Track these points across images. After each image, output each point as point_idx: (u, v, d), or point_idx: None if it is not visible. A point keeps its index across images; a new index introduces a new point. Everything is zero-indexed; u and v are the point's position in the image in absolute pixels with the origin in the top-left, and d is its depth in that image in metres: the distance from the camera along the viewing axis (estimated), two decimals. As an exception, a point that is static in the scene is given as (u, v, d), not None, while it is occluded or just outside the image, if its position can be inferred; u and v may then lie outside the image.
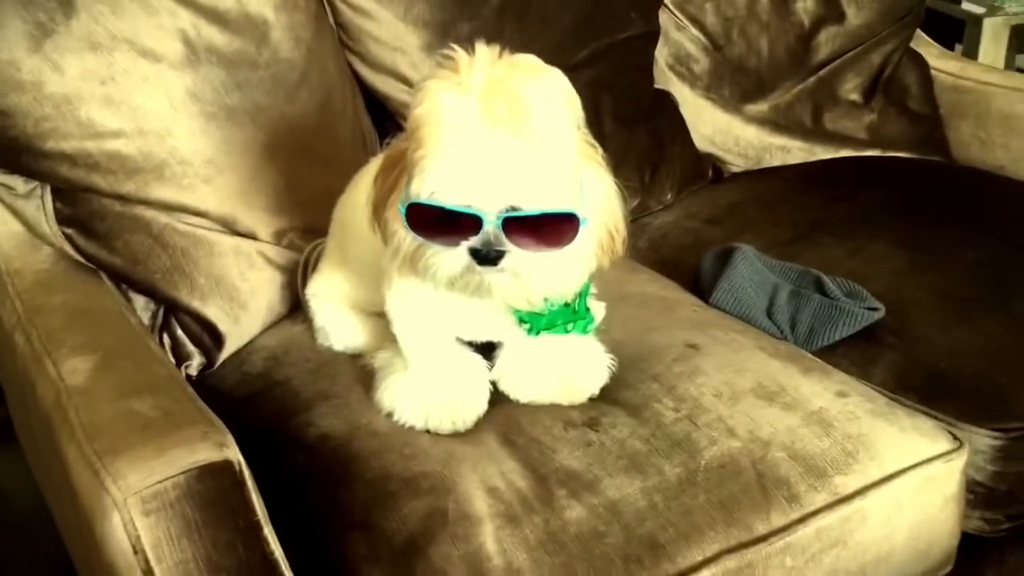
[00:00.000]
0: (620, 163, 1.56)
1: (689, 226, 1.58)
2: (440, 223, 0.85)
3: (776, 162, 1.80)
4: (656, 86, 1.76)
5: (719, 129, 1.80)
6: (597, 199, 0.94)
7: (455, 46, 0.87)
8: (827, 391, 1.10)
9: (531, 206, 0.85)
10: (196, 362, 1.21)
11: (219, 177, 1.23)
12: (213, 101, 1.23)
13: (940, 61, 1.92)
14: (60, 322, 1.06)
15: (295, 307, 1.28)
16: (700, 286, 1.38)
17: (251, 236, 1.25)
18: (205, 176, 1.21)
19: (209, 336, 1.21)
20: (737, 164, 1.81)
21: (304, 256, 1.27)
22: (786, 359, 1.16)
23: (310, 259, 1.27)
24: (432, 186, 0.83)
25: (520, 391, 1.10)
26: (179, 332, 1.20)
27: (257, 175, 1.27)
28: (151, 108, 1.18)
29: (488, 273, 0.87)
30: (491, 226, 0.85)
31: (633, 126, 1.62)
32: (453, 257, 0.87)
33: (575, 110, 0.92)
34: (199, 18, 1.23)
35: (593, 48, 1.58)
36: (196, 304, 1.19)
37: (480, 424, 1.07)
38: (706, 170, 1.77)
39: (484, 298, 0.92)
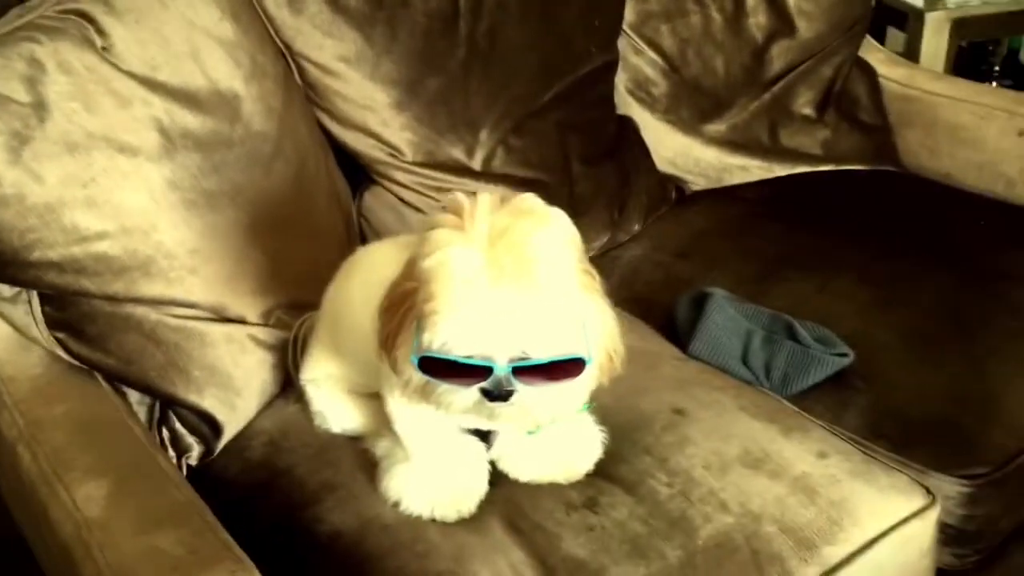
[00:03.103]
0: (590, 206, 1.61)
1: (659, 259, 1.63)
2: (452, 370, 0.89)
3: (736, 180, 1.85)
4: (618, 112, 1.79)
5: (679, 152, 1.83)
6: (597, 328, 0.97)
7: (458, 193, 0.90)
8: (808, 452, 1.17)
9: (540, 354, 0.89)
10: (196, 452, 1.23)
11: (205, 266, 1.23)
12: (191, 187, 1.23)
13: (888, 68, 1.97)
14: (65, 438, 1.07)
15: (287, 384, 1.31)
16: (677, 333, 1.43)
17: (240, 321, 1.27)
18: (191, 267, 1.22)
19: (207, 426, 1.23)
20: (698, 183, 1.86)
21: (293, 333, 1.29)
22: (767, 419, 1.22)
23: (299, 336, 1.29)
24: (444, 339, 0.87)
25: (519, 471, 1.15)
26: (177, 425, 1.22)
27: (241, 258, 1.27)
28: (133, 205, 1.17)
29: (498, 407, 0.91)
30: (502, 373, 0.88)
31: (600, 164, 1.65)
32: (465, 395, 0.91)
33: (576, 247, 0.95)
34: (171, 103, 1.22)
35: (557, 89, 1.60)
36: (193, 398, 1.21)
37: (484, 508, 1.11)
38: (669, 193, 1.81)
39: (492, 422, 0.96)
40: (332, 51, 1.44)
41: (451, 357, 0.88)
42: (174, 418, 1.22)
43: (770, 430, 1.20)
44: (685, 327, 1.41)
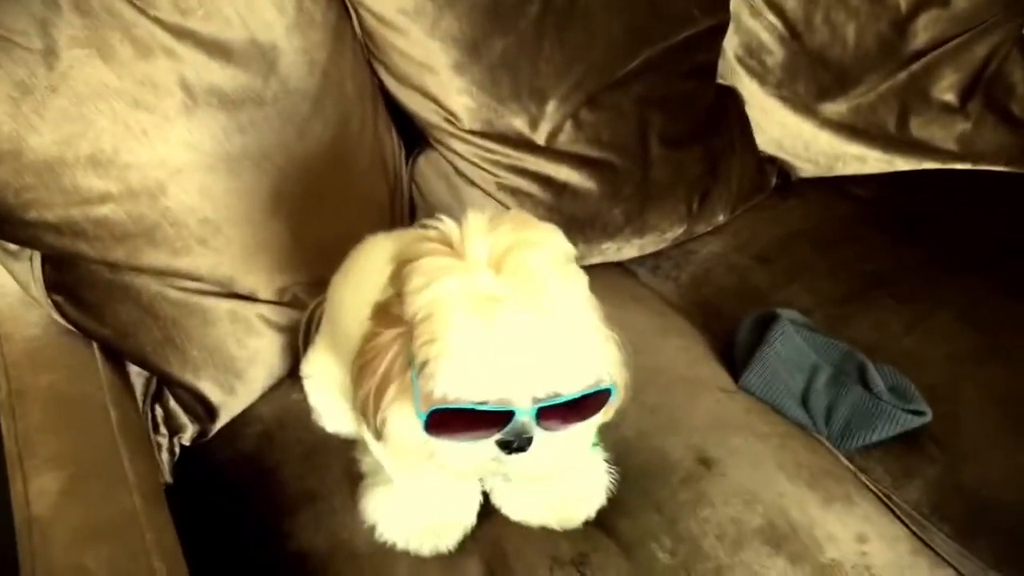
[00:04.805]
0: (666, 194, 1.44)
1: (736, 261, 1.45)
2: (465, 422, 0.77)
3: (849, 170, 1.63)
4: (720, 81, 1.59)
5: (788, 132, 1.62)
6: (609, 354, 0.85)
7: (441, 217, 0.77)
8: (846, 532, 1.01)
9: (568, 389, 0.77)
10: (189, 433, 1.18)
11: (216, 237, 1.15)
12: (211, 151, 1.14)
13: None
14: (40, 418, 1.03)
15: (297, 367, 1.23)
16: (733, 356, 1.27)
17: (250, 297, 1.19)
18: (200, 237, 1.14)
19: (202, 408, 1.17)
20: (806, 170, 1.65)
21: (307, 315, 1.21)
22: (808, 482, 1.07)
23: (313, 318, 1.21)
24: (452, 387, 0.75)
25: (511, 508, 1.04)
26: (172, 403, 1.17)
27: (259, 229, 1.19)
28: (142, 166, 1.10)
29: (514, 460, 0.80)
30: (525, 417, 0.77)
31: (684, 146, 1.46)
32: (479, 451, 0.79)
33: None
34: (199, 54, 1.12)
35: (645, 58, 1.41)
36: (188, 378, 1.15)
37: (466, 545, 1.02)
38: (768, 179, 1.61)
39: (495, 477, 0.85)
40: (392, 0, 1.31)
41: (467, 405, 0.76)
42: (169, 395, 1.17)
43: (807, 498, 1.05)
44: (742, 353, 1.25)
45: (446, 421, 0.78)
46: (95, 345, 1.13)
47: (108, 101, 1.07)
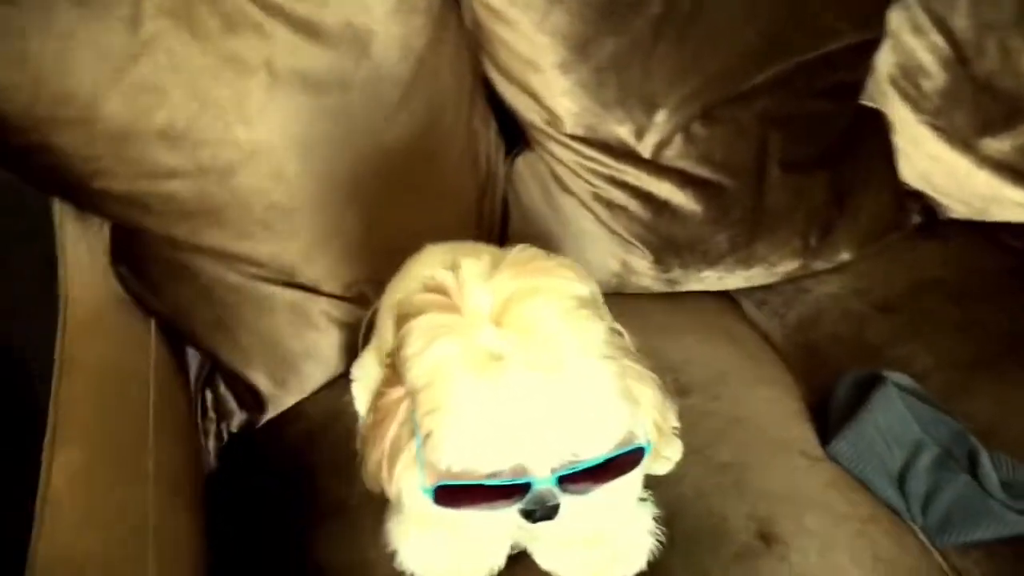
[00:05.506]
0: (780, 224, 1.30)
1: (854, 307, 1.30)
2: (479, 495, 0.69)
3: (1006, 217, 1.43)
4: (866, 103, 1.42)
5: (940, 167, 1.44)
6: (642, 399, 0.76)
7: (439, 270, 0.70)
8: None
9: (591, 453, 0.69)
10: (237, 420, 1.15)
11: (283, 222, 1.11)
12: (290, 134, 1.10)
13: None
14: (82, 388, 1.01)
15: (355, 365, 1.18)
16: (827, 416, 1.13)
17: (313, 289, 1.14)
18: (266, 222, 1.11)
19: (251, 397, 1.14)
20: (955, 211, 1.46)
21: (369, 314, 1.15)
22: (882, 581, 0.93)
23: (375, 318, 1.15)
24: (460, 459, 0.67)
25: (542, 557, 0.95)
26: (222, 389, 1.14)
27: (331, 219, 1.14)
28: (214, 144, 1.06)
29: (542, 527, 0.72)
30: (545, 487, 0.69)
31: (808, 172, 1.31)
32: (500, 521, 0.72)
33: (596, 301, 0.74)
34: (289, 32, 1.08)
35: (776, 71, 1.27)
36: (239, 365, 1.12)
37: (485, 587, 0.94)
38: (908, 217, 1.43)
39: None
40: (500, -10, 1.23)
41: (476, 482, 0.68)
42: (220, 380, 1.14)
43: (876, 603, 0.91)
44: (837, 415, 1.11)
45: (457, 495, 0.70)
46: (152, 321, 1.11)
47: (188, 74, 1.04)
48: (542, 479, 0.69)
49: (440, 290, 0.69)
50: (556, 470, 0.69)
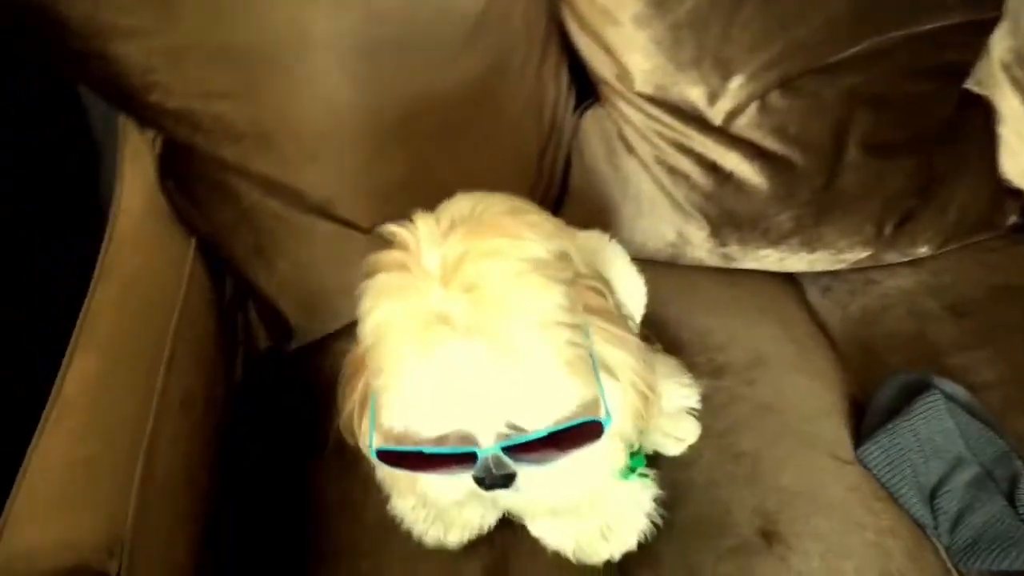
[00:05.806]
0: (850, 208, 1.22)
1: (924, 306, 1.21)
2: (423, 460, 0.68)
3: (1122, 225, 1.31)
4: (972, 88, 1.31)
5: (1048, 165, 1.32)
6: (618, 365, 0.73)
7: (392, 225, 0.67)
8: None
9: (534, 425, 0.66)
10: (263, 347, 1.16)
11: (330, 153, 1.11)
12: (344, 65, 1.09)
13: None
14: (113, 297, 1.04)
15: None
16: (865, 418, 1.06)
17: (353, 225, 1.14)
18: (312, 152, 1.10)
19: (280, 326, 1.14)
20: (1063, 213, 1.34)
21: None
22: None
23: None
24: (401, 421, 0.66)
25: (532, 522, 0.93)
26: (252, 313, 1.15)
27: (378, 156, 1.13)
28: (269, 67, 1.06)
29: (501, 495, 0.71)
30: (488, 455, 0.67)
31: (891, 156, 1.22)
32: (453, 486, 0.71)
33: (573, 253, 0.71)
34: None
35: (870, 43, 1.18)
36: (272, 292, 1.13)
37: (474, 546, 0.93)
38: (1002, 217, 1.32)
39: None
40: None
41: (414, 449, 0.67)
42: (251, 305, 1.15)
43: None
44: (874, 418, 1.04)
45: (401, 460, 0.69)
46: (193, 241, 1.13)
47: (248, -4, 1.04)
48: (486, 448, 0.67)
49: (402, 243, 0.67)
50: (501, 439, 0.67)
